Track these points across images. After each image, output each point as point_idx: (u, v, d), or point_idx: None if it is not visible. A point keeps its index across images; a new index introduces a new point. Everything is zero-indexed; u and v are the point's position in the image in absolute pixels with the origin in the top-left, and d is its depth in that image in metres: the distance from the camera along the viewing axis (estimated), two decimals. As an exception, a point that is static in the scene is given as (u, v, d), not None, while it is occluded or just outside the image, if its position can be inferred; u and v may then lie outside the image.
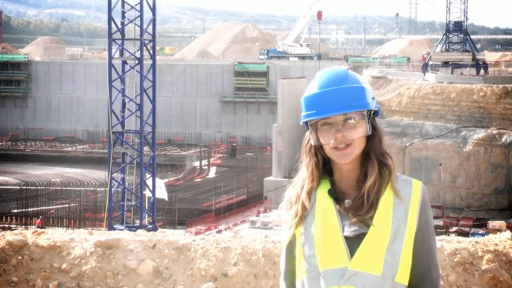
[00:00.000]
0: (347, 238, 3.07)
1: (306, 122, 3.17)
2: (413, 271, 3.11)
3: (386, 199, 3.09)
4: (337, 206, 3.13)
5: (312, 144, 3.16)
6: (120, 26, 30.10)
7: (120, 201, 30.92)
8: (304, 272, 3.13)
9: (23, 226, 41.74)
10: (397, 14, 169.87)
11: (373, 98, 3.16)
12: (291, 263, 3.24)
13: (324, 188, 3.19)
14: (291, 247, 3.23)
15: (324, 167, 3.21)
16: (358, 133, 3.09)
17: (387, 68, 67.42)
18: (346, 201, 3.13)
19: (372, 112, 3.16)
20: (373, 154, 3.13)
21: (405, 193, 3.12)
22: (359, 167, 3.15)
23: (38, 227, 40.01)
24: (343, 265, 3.04)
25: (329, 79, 3.13)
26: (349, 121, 3.08)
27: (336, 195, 3.15)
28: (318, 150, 3.18)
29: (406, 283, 3.09)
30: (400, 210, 3.09)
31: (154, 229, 26.40)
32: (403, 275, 3.07)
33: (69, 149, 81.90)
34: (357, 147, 3.11)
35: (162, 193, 31.26)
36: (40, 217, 46.31)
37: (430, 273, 3.13)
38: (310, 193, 3.18)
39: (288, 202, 3.25)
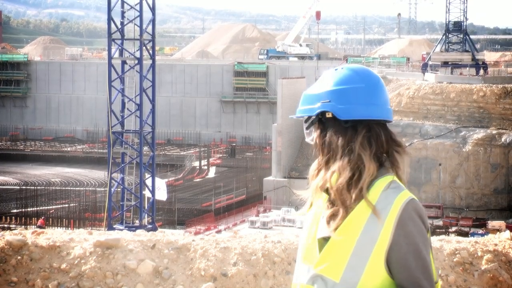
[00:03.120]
0: (323, 238, 3.03)
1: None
2: None
3: (362, 209, 2.95)
4: (328, 202, 3.06)
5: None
6: (119, 26, 30.12)
7: (120, 201, 30.94)
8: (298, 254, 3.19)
9: (23, 226, 41.73)
10: (399, 14, 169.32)
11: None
12: None
13: None
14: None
15: None
16: None
17: (386, 68, 67.49)
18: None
19: None
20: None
21: (384, 207, 2.94)
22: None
23: (40, 226, 39.98)
24: (312, 264, 3.04)
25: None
26: None
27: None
28: None
29: None
30: (373, 223, 2.93)
31: (154, 229, 26.40)
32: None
33: (69, 149, 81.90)
34: None
35: (161, 194, 31.27)
36: (43, 217, 46.34)
37: None
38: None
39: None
